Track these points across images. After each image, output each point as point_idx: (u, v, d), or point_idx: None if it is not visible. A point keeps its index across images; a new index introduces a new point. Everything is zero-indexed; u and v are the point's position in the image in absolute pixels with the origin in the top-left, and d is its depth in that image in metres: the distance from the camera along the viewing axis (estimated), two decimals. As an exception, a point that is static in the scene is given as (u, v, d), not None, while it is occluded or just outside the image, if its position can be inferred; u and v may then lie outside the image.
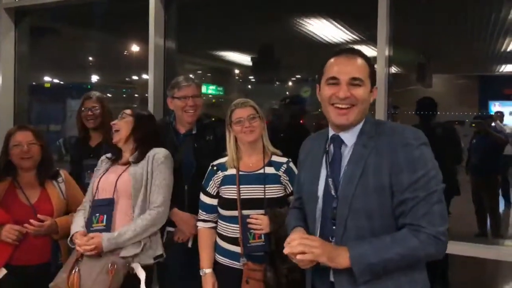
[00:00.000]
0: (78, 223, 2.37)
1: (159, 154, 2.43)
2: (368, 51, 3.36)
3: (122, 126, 2.43)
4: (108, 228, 2.30)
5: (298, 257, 1.49)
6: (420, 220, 1.43)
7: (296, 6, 3.99)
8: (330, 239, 1.57)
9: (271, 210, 2.21)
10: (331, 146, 1.63)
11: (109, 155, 2.53)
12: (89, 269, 2.23)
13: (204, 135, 2.71)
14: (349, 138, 1.59)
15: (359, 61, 1.58)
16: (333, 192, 1.58)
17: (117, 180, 2.37)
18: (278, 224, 2.13)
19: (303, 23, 4.30)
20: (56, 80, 5.94)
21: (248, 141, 2.31)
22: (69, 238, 2.34)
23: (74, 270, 2.24)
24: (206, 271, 2.32)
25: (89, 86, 5.67)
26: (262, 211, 2.25)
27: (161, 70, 3.53)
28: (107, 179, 2.39)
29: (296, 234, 1.59)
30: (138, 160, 2.41)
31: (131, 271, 2.26)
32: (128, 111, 2.47)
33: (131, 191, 2.35)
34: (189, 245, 2.61)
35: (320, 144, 1.69)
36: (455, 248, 2.73)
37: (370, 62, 1.60)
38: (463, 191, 3.98)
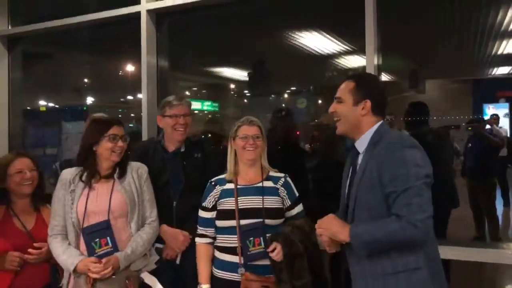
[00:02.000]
0: (72, 253, 2.33)
1: (141, 169, 2.49)
2: (359, 60, 3.38)
3: (125, 147, 2.44)
4: (115, 248, 2.34)
5: (318, 232, 1.94)
6: (401, 209, 1.74)
7: (287, 19, 4.01)
8: None
9: (276, 236, 2.22)
10: (354, 155, 2.00)
11: (74, 171, 2.43)
12: None
13: (192, 152, 2.75)
14: (361, 146, 1.96)
15: (345, 83, 2.00)
16: (346, 191, 2.00)
17: (110, 201, 2.36)
18: (289, 246, 2.17)
19: (295, 36, 4.33)
20: (51, 104, 5.94)
21: (248, 158, 2.37)
22: (72, 269, 2.30)
23: None
24: (204, 286, 2.34)
25: (85, 108, 5.67)
26: (260, 220, 2.28)
27: (154, 89, 3.56)
28: (96, 202, 2.37)
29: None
30: (122, 176, 2.43)
31: (141, 280, 2.38)
32: (125, 135, 2.45)
33: (127, 209, 2.38)
34: (178, 261, 2.62)
35: (352, 154, 2.05)
36: (453, 253, 2.73)
37: (359, 79, 1.99)
38: (461, 195, 4.00)
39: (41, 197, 2.59)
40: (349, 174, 2.02)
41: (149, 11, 3.51)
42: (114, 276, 2.30)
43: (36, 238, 2.46)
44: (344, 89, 1.98)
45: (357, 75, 2.14)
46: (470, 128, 4.25)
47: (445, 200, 3.50)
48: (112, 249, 2.33)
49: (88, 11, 3.89)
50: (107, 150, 2.36)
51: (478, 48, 4.29)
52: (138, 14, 3.53)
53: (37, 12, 4.16)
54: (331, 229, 1.89)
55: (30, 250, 2.41)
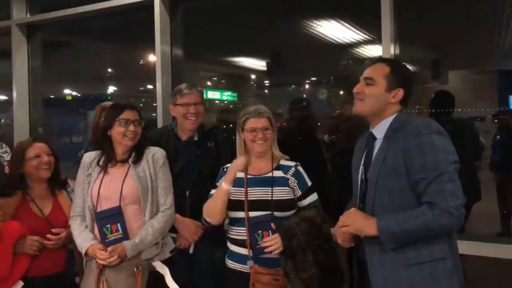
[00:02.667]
0: (86, 236, 2.38)
1: (157, 154, 2.46)
2: (379, 50, 3.29)
3: (139, 131, 2.43)
4: (125, 235, 2.35)
5: (342, 229, 1.89)
6: (434, 197, 1.69)
7: (304, 8, 3.95)
8: None
9: (278, 227, 2.19)
10: (370, 140, 1.96)
11: (94, 155, 2.48)
12: (116, 276, 2.31)
13: (205, 142, 2.71)
14: (379, 132, 1.91)
15: (379, 65, 1.93)
16: (363, 176, 1.93)
17: (121, 187, 2.36)
18: (288, 238, 2.12)
19: (313, 25, 4.26)
20: (74, 93, 6.03)
21: (259, 151, 2.33)
22: (83, 253, 2.35)
23: (101, 281, 2.29)
24: (224, 184, 2.29)
25: (109, 98, 5.73)
26: (268, 213, 2.24)
27: (169, 78, 3.55)
28: (109, 188, 2.38)
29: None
30: (137, 161, 2.41)
31: (152, 269, 2.36)
32: (138, 118, 2.44)
33: (139, 196, 2.37)
34: (191, 251, 2.61)
35: (364, 139, 2.02)
36: (474, 248, 2.64)
37: (394, 65, 1.92)
38: (487, 189, 3.88)
39: (57, 182, 2.60)
40: (363, 160, 1.96)
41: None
42: (123, 263, 2.31)
43: (53, 223, 2.48)
44: (378, 72, 1.91)
45: (392, 60, 2.10)
46: (496, 121, 4.14)
47: (467, 193, 3.41)
48: (122, 235, 2.33)
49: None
50: (120, 135, 2.37)
51: (504, 37, 4.14)
52: (151, 2, 3.51)
53: (55, 0, 4.18)
54: (356, 224, 1.84)
55: (48, 235, 2.43)
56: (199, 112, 2.66)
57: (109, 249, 2.29)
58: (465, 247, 2.69)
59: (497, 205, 3.92)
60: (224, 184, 2.27)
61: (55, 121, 5.10)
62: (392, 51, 2.82)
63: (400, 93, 1.88)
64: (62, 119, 5.42)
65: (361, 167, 1.96)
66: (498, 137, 4.22)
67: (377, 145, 1.90)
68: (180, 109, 2.65)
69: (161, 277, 2.36)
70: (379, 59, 1.97)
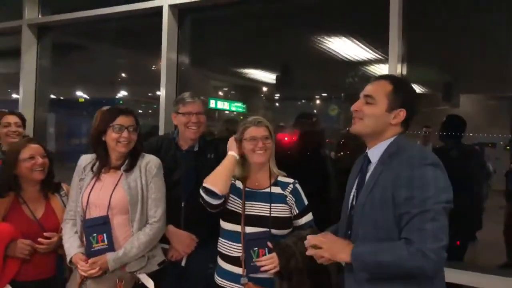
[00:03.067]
0: (73, 243, 2.34)
1: (151, 163, 2.40)
2: (387, 69, 3.24)
3: (134, 138, 2.38)
4: (110, 246, 2.29)
5: (308, 252, 1.81)
6: (412, 234, 1.57)
7: (317, 23, 3.93)
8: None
9: (276, 245, 2.12)
10: (364, 163, 1.84)
11: (90, 158, 2.44)
12: (97, 287, 2.25)
13: (205, 152, 2.68)
14: (374, 155, 1.79)
15: (380, 82, 1.79)
16: (353, 202, 1.81)
17: (110, 196, 2.31)
18: (286, 258, 2.06)
19: (325, 41, 4.23)
20: (85, 95, 6.04)
21: (258, 162, 2.27)
22: (68, 260, 2.32)
23: None
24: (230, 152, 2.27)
25: (120, 102, 5.73)
26: (266, 230, 2.18)
27: (173, 85, 3.53)
28: (98, 195, 2.34)
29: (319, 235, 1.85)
30: (130, 169, 2.36)
31: (138, 281, 2.29)
32: (134, 125, 2.40)
33: (128, 207, 2.31)
34: (183, 264, 2.56)
35: (360, 160, 1.90)
36: (477, 280, 2.55)
37: (397, 83, 1.78)
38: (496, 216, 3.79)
39: (51, 185, 2.57)
40: (356, 183, 1.85)
41: (171, 6, 3.48)
42: (106, 275, 2.26)
43: (45, 226, 2.45)
44: (379, 90, 1.77)
45: (395, 77, 1.88)
46: (508, 148, 4.05)
47: (467, 223, 3.34)
48: (107, 246, 2.28)
49: (117, 3, 3.88)
50: (113, 141, 2.33)
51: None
52: (160, 9, 3.50)
53: (67, 2, 4.20)
54: (331, 249, 1.74)
55: (40, 239, 2.40)
56: (201, 122, 2.63)
57: (90, 261, 2.25)
58: (468, 278, 2.62)
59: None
60: (232, 153, 2.24)
61: (65, 122, 5.10)
62: (398, 70, 2.76)
63: (402, 114, 1.76)
64: (72, 120, 5.42)
65: (353, 191, 1.85)
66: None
67: (371, 169, 1.79)
68: (182, 118, 2.63)
69: None
70: (382, 76, 1.84)
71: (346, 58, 4.36)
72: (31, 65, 4.35)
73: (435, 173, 1.62)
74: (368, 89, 1.80)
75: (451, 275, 2.67)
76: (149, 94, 6.11)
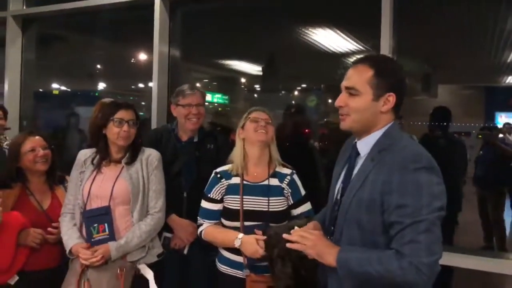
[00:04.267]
0: (72, 235, 2.35)
1: (151, 157, 2.44)
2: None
3: (133, 132, 2.41)
4: (111, 236, 2.32)
5: (288, 244, 1.67)
6: (404, 247, 1.42)
7: (300, 15, 3.99)
8: (329, 238, 1.68)
9: (264, 232, 2.14)
10: (352, 153, 1.67)
11: (89, 152, 2.47)
12: (98, 277, 2.28)
13: (205, 143, 2.72)
14: (364, 148, 1.62)
15: (359, 68, 1.58)
16: (338, 197, 1.66)
17: (112, 187, 2.35)
18: (271, 246, 2.06)
19: (308, 32, 4.30)
20: (63, 88, 5.96)
21: (260, 139, 2.30)
22: (68, 251, 2.34)
23: (83, 281, 2.27)
24: (240, 236, 2.21)
25: (97, 94, 5.69)
26: (263, 223, 2.22)
27: (165, 78, 3.55)
28: (100, 187, 2.36)
29: (305, 227, 1.74)
30: (131, 162, 2.40)
31: (137, 272, 2.32)
32: (134, 119, 2.43)
33: (129, 198, 2.35)
34: (185, 252, 2.62)
35: (349, 148, 1.73)
36: (460, 261, 2.71)
37: (379, 65, 1.57)
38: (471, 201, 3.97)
39: (55, 175, 2.59)
40: (343, 175, 1.69)
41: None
42: (107, 264, 2.28)
43: (52, 217, 2.48)
44: (360, 78, 1.55)
45: (375, 59, 1.63)
46: (480, 136, 4.22)
47: (451, 204, 3.49)
48: (108, 236, 2.31)
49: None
50: (114, 134, 2.36)
51: (494, 54, 4.24)
52: (152, 1, 3.52)
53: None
54: (316, 247, 1.60)
55: (50, 229, 2.43)
56: (201, 113, 2.68)
57: (93, 249, 2.27)
58: (450, 258, 2.78)
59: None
60: (239, 242, 2.18)
61: (41, 115, 5.04)
62: (390, 63, 2.86)
63: (391, 99, 1.55)
64: (48, 113, 5.35)
65: (340, 184, 1.70)
66: (481, 152, 4.31)
67: (359, 163, 1.62)
68: (182, 109, 2.66)
69: (145, 281, 2.32)
70: (360, 60, 1.61)
71: (329, 49, 4.46)
72: (16, 58, 4.28)
73: (429, 178, 1.46)
74: (348, 79, 1.59)
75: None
76: (132, 87, 6.09)
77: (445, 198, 1.50)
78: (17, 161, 2.48)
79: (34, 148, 2.48)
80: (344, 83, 1.61)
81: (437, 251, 1.43)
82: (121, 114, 2.36)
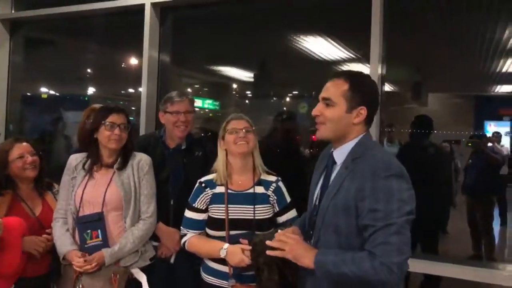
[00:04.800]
0: (65, 241, 2.35)
1: (142, 161, 2.45)
2: (363, 69, 3.35)
3: (125, 136, 2.41)
4: (105, 242, 2.32)
5: (268, 252, 1.78)
6: (376, 248, 1.55)
7: (292, 22, 4.00)
8: (308, 242, 1.79)
9: (250, 241, 2.12)
10: (329, 162, 1.80)
11: (80, 157, 2.45)
12: (92, 283, 2.30)
13: (193, 150, 2.70)
14: (339, 156, 1.75)
15: (336, 82, 1.72)
16: (317, 203, 1.77)
17: (104, 193, 2.34)
18: (257, 253, 2.04)
19: (299, 39, 4.30)
20: (52, 92, 5.92)
21: (240, 152, 2.27)
22: (61, 258, 2.33)
23: (77, 287, 2.28)
24: (225, 245, 2.18)
25: (86, 98, 5.65)
26: (249, 232, 2.20)
27: (155, 83, 3.53)
28: (92, 193, 2.36)
29: (284, 231, 1.83)
30: (122, 167, 2.39)
31: (130, 276, 2.34)
32: (125, 123, 2.42)
33: (122, 204, 2.35)
34: (172, 261, 2.59)
35: (326, 155, 1.85)
36: (449, 270, 2.71)
37: (353, 80, 1.71)
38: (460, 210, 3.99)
39: (44, 182, 2.56)
40: (321, 183, 1.81)
41: (154, 4, 3.48)
42: (100, 270, 2.29)
43: (44, 223, 2.46)
44: (336, 91, 1.70)
45: (350, 74, 1.77)
46: (470, 144, 4.24)
47: (435, 219, 3.51)
48: (102, 242, 2.32)
49: (92, 0, 3.84)
50: (105, 138, 2.36)
51: (483, 64, 4.27)
52: (142, 7, 3.50)
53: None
54: (294, 251, 1.71)
55: (46, 236, 2.41)
56: (189, 121, 2.66)
57: (88, 258, 2.27)
58: (438, 267, 2.77)
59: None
60: (225, 252, 2.16)
61: (29, 119, 4.99)
62: (379, 71, 2.87)
63: (363, 112, 1.70)
64: (36, 117, 5.30)
65: (318, 190, 1.81)
66: (470, 161, 4.33)
67: (335, 170, 1.75)
68: (170, 117, 2.64)
69: (139, 284, 2.35)
70: (337, 74, 1.75)
71: (320, 57, 4.46)
72: (3, 62, 4.24)
73: (399, 184, 1.59)
74: (325, 91, 1.74)
75: (426, 266, 2.83)
76: (122, 92, 6.06)
77: (414, 203, 1.62)
78: (5, 168, 2.45)
79: (23, 154, 2.46)
80: (321, 94, 1.75)
81: (406, 251, 1.56)
82: (112, 118, 2.37)
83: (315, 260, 1.63)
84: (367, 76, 1.83)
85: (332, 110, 1.70)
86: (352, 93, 1.69)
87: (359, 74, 1.83)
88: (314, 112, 1.74)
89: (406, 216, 1.57)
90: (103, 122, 2.36)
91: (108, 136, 2.35)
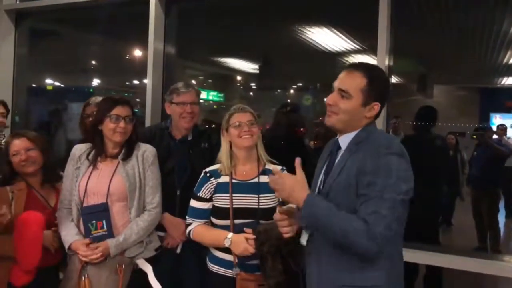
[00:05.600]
0: (70, 231, 2.36)
1: (147, 152, 2.44)
2: (369, 60, 3.34)
3: (130, 128, 2.40)
4: (109, 232, 2.32)
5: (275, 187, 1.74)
6: (367, 216, 1.57)
7: (298, 13, 3.98)
8: None
9: (254, 230, 2.14)
10: (334, 148, 1.83)
11: (84, 147, 2.45)
12: (98, 273, 2.30)
13: (199, 142, 2.70)
14: (344, 142, 1.78)
15: (355, 75, 1.74)
16: (321, 186, 1.79)
17: (109, 184, 2.34)
18: (260, 242, 2.07)
19: (305, 31, 4.29)
20: (57, 83, 5.92)
21: (246, 145, 2.28)
22: (67, 248, 2.33)
23: (83, 277, 2.27)
24: (229, 235, 2.20)
25: (91, 90, 5.65)
26: (253, 221, 2.21)
27: (160, 75, 3.53)
28: (96, 183, 2.36)
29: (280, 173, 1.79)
30: (127, 158, 2.39)
31: (136, 267, 2.35)
32: (130, 115, 2.41)
33: (126, 194, 2.35)
34: (178, 251, 2.60)
35: (331, 145, 1.89)
36: (454, 262, 2.71)
37: (373, 77, 1.73)
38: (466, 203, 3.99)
39: (53, 175, 2.56)
40: (324, 168, 1.84)
41: (159, -4, 3.46)
42: (106, 261, 2.30)
43: None
44: (353, 84, 1.72)
45: (368, 68, 1.78)
46: (475, 136, 4.23)
47: (437, 211, 3.52)
48: (106, 233, 2.31)
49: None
50: (110, 130, 2.34)
51: (490, 56, 4.25)
52: (146, -2, 3.49)
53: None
54: (288, 188, 1.69)
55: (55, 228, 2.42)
56: (195, 112, 2.65)
57: (93, 246, 2.28)
58: (443, 259, 2.78)
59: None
60: (229, 241, 2.18)
61: (34, 110, 5.00)
62: (386, 62, 2.86)
63: (376, 107, 1.74)
64: (41, 109, 5.32)
65: (322, 176, 1.84)
66: (475, 153, 4.33)
67: (339, 155, 1.78)
68: (176, 108, 2.64)
69: (144, 275, 2.35)
70: (355, 66, 1.77)
71: (326, 48, 4.45)
72: (8, 53, 4.24)
73: (399, 163, 1.62)
74: (342, 82, 1.75)
75: (430, 257, 2.84)
76: (127, 84, 6.06)
77: (412, 183, 1.66)
78: (10, 163, 2.47)
79: (17, 152, 2.46)
80: (337, 84, 1.76)
81: (394, 228, 1.60)
82: (117, 110, 2.34)
83: (305, 200, 1.64)
84: (383, 71, 1.86)
85: (348, 103, 1.72)
86: (370, 89, 1.72)
87: (376, 69, 1.85)
88: (329, 100, 1.76)
89: (402, 195, 1.60)
90: (108, 114, 2.34)
91: (113, 129, 2.33)
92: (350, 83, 1.73)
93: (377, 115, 1.78)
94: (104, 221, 2.31)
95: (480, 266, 2.68)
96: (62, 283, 2.38)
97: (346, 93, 1.72)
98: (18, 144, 2.47)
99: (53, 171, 2.58)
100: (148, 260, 2.40)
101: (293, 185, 1.69)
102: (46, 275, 2.43)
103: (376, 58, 2.93)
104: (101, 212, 2.32)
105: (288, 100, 5.34)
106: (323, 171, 1.84)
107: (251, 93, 6.22)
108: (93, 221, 2.32)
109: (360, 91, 1.71)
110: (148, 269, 2.35)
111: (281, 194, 1.75)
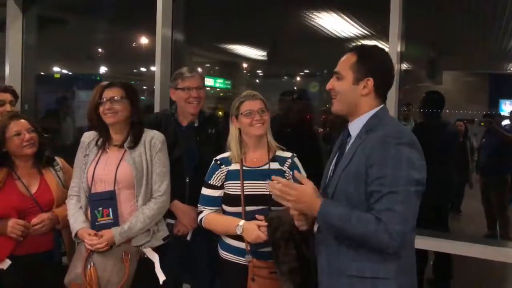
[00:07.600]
0: (78, 218, 2.35)
1: (155, 139, 2.41)
2: (379, 45, 3.30)
3: (118, 108, 2.34)
4: (116, 221, 2.31)
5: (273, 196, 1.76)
6: (381, 213, 1.55)
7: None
8: None
9: (266, 217, 2.12)
10: (344, 135, 1.82)
11: (93, 134, 2.44)
12: (104, 261, 2.27)
13: (206, 128, 2.68)
14: (354, 129, 1.74)
15: (346, 56, 1.74)
16: (331, 173, 1.77)
17: (116, 171, 2.33)
18: (273, 229, 2.04)
19: (313, 16, 4.25)
20: (64, 71, 5.94)
21: (258, 134, 2.26)
22: (73, 235, 2.34)
23: (89, 265, 2.26)
24: (241, 223, 2.19)
25: (98, 78, 5.65)
26: (265, 207, 2.19)
27: (168, 62, 3.51)
28: (104, 170, 2.35)
29: (287, 181, 1.80)
30: (134, 145, 2.37)
31: (142, 255, 2.32)
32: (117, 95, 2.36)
33: (133, 182, 2.33)
34: (188, 238, 2.59)
35: (344, 131, 1.85)
36: (463, 249, 2.70)
37: (362, 52, 1.72)
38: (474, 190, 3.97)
39: (43, 159, 2.52)
40: (336, 156, 1.82)
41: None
42: (112, 249, 2.28)
43: (40, 202, 2.43)
44: (345, 64, 1.72)
45: (360, 47, 1.81)
46: (483, 124, 4.20)
47: (446, 198, 3.50)
48: (112, 221, 2.30)
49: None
50: (103, 115, 2.33)
51: (501, 41, 4.20)
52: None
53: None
54: (305, 204, 1.69)
55: (25, 223, 2.37)
56: (201, 96, 2.62)
57: (99, 234, 2.27)
58: (452, 246, 2.77)
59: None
60: (241, 229, 2.17)
61: (42, 98, 5.01)
62: (398, 48, 2.82)
63: (369, 83, 1.69)
64: (49, 97, 5.33)
65: (332, 164, 1.82)
66: (484, 140, 4.30)
67: (350, 143, 1.75)
68: (182, 93, 2.61)
69: (151, 264, 2.32)
70: (350, 48, 1.76)
71: (334, 34, 4.41)
72: (17, 40, 4.23)
73: (409, 153, 1.59)
74: (337, 65, 1.76)
75: (440, 244, 2.83)
76: (134, 71, 6.07)
77: (425, 173, 1.62)
78: (3, 145, 2.43)
79: (20, 131, 2.42)
80: (335, 69, 1.77)
81: (410, 221, 1.58)
82: (106, 93, 2.33)
83: (319, 210, 1.63)
84: (380, 49, 1.81)
85: (341, 83, 1.72)
86: (359, 65, 1.69)
87: (370, 46, 1.84)
88: (327, 86, 1.77)
89: (414, 186, 1.57)
90: (99, 101, 2.33)
91: (102, 112, 2.32)
92: (341, 64, 1.74)
93: (380, 95, 1.73)
94: (110, 209, 2.30)
95: (490, 253, 2.66)
96: (68, 270, 2.36)
97: (338, 73, 1.73)
98: (21, 124, 2.44)
99: (44, 155, 2.54)
100: (156, 249, 2.36)
101: (304, 197, 1.68)
102: (38, 261, 2.42)
103: (385, 43, 2.89)
104: (107, 200, 2.30)
105: (295, 88, 5.33)
106: (334, 159, 1.82)
107: (258, 80, 6.21)
108: (100, 208, 2.30)
109: (350, 69, 1.70)
110: (155, 258, 2.32)
111: (295, 206, 1.73)
